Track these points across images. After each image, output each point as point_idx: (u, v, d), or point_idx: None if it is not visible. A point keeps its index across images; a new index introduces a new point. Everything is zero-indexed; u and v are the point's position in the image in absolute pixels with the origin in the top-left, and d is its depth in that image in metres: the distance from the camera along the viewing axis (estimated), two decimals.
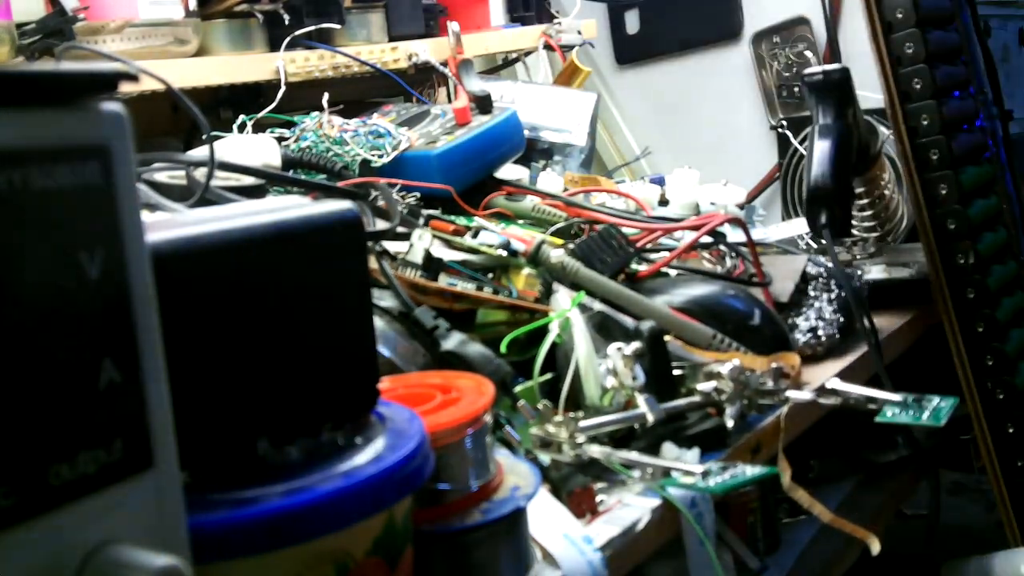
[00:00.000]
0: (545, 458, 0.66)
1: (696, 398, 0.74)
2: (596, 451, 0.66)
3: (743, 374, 0.74)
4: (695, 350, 0.81)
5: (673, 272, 0.97)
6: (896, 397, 0.73)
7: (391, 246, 0.85)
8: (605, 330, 0.79)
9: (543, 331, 0.75)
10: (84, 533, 0.31)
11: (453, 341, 0.72)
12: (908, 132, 1.13)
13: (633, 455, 0.67)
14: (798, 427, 0.85)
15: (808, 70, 1.11)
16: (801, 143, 1.45)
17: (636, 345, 0.73)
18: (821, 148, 0.99)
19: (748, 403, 0.75)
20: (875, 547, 0.81)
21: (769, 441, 0.80)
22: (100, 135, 0.32)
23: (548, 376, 0.74)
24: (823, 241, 1.05)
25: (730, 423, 0.74)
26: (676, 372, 0.77)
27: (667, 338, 0.79)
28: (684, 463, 0.66)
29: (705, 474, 0.64)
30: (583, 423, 0.68)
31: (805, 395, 0.77)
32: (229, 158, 0.86)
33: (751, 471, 0.64)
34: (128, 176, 0.32)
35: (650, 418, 0.70)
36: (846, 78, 1.10)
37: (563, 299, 0.80)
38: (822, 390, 0.77)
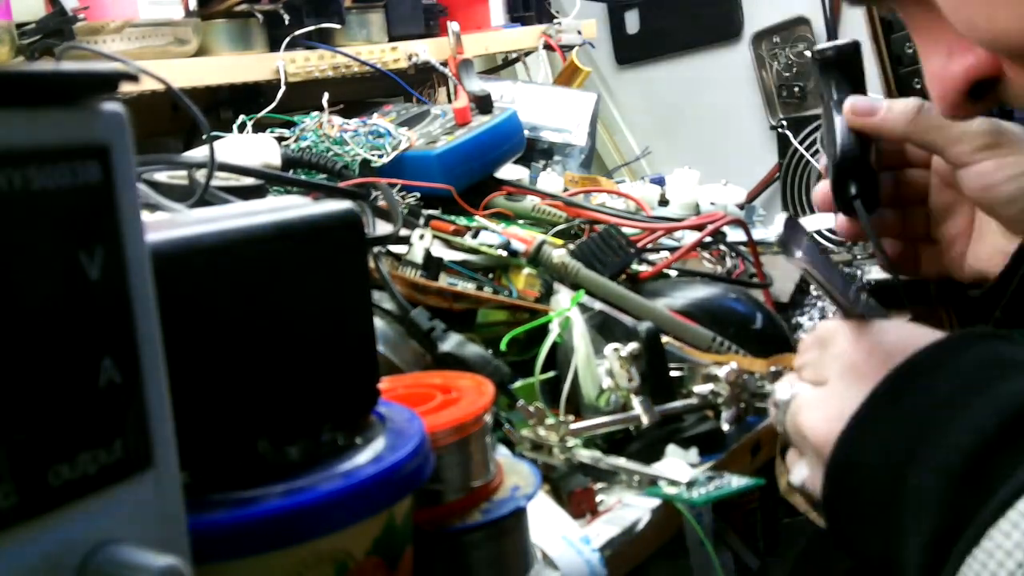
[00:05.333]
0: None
1: (692, 400, 0.74)
2: (585, 455, 0.66)
3: (741, 377, 0.74)
4: (695, 352, 0.81)
5: (674, 273, 0.97)
6: None
7: (392, 246, 0.85)
8: (606, 330, 0.79)
9: (543, 331, 0.75)
10: (84, 533, 0.31)
11: (450, 343, 0.72)
12: None
13: (621, 461, 0.67)
14: None
15: (818, 46, 1.09)
16: (801, 143, 1.45)
17: (633, 346, 0.73)
18: (841, 120, 0.98)
19: (745, 406, 0.75)
20: None
21: (769, 442, 0.80)
22: (100, 135, 0.32)
23: (549, 375, 0.74)
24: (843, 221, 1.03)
25: (726, 426, 0.73)
26: (675, 374, 0.76)
27: (666, 339, 0.79)
28: (671, 471, 0.66)
29: (690, 484, 0.63)
30: (574, 426, 0.68)
31: None
32: (229, 158, 0.86)
33: (736, 482, 0.63)
34: (128, 176, 0.32)
35: (644, 420, 0.70)
36: (857, 52, 1.08)
37: (564, 299, 0.80)
38: None
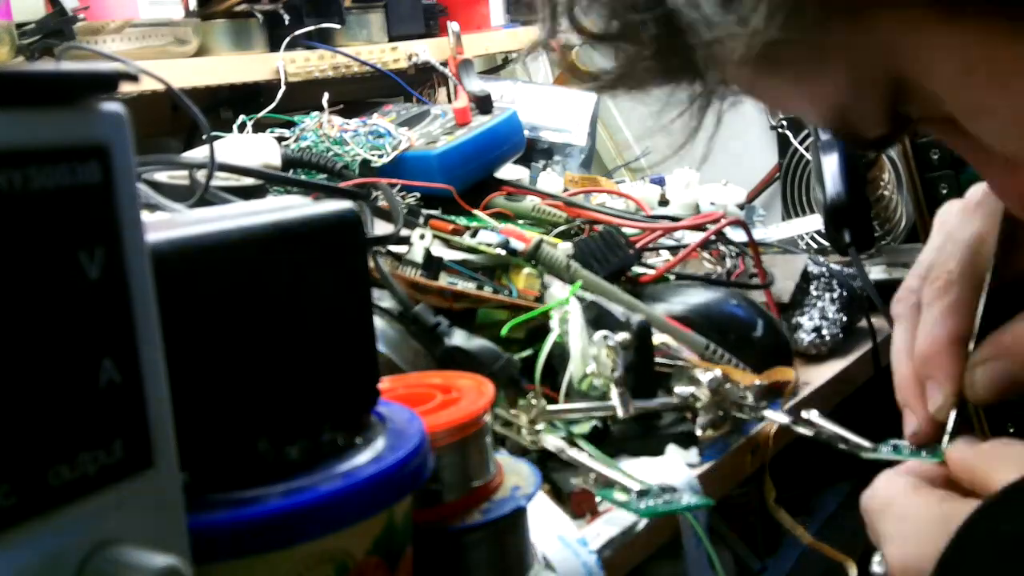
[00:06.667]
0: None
1: (672, 399, 0.74)
2: (551, 443, 0.66)
3: (723, 385, 0.73)
4: (690, 353, 0.81)
5: (672, 276, 0.97)
6: (867, 444, 0.63)
7: (392, 246, 0.85)
8: (600, 323, 0.79)
9: (543, 327, 0.75)
10: (84, 533, 0.31)
11: (457, 337, 0.72)
12: None
13: (583, 457, 0.65)
14: (794, 434, 0.85)
15: None
16: (801, 143, 1.45)
17: (623, 336, 0.72)
18: (829, 165, 0.97)
19: (723, 415, 0.74)
20: (852, 573, 0.80)
21: (765, 446, 0.79)
22: (100, 135, 0.32)
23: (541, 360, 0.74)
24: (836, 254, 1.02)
25: (699, 431, 0.73)
26: (663, 370, 0.76)
27: (664, 339, 0.79)
28: (629, 476, 0.63)
29: (641, 494, 0.62)
30: (547, 407, 0.67)
31: (781, 418, 0.73)
32: (229, 158, 0.86)
33: (687, 499, 0.62)
34: (128, 176, 0.32)
35: (620, 412, 0.69)
36: None
37: (558, 293, 0.80)
38: (798, 417, 0.75)
